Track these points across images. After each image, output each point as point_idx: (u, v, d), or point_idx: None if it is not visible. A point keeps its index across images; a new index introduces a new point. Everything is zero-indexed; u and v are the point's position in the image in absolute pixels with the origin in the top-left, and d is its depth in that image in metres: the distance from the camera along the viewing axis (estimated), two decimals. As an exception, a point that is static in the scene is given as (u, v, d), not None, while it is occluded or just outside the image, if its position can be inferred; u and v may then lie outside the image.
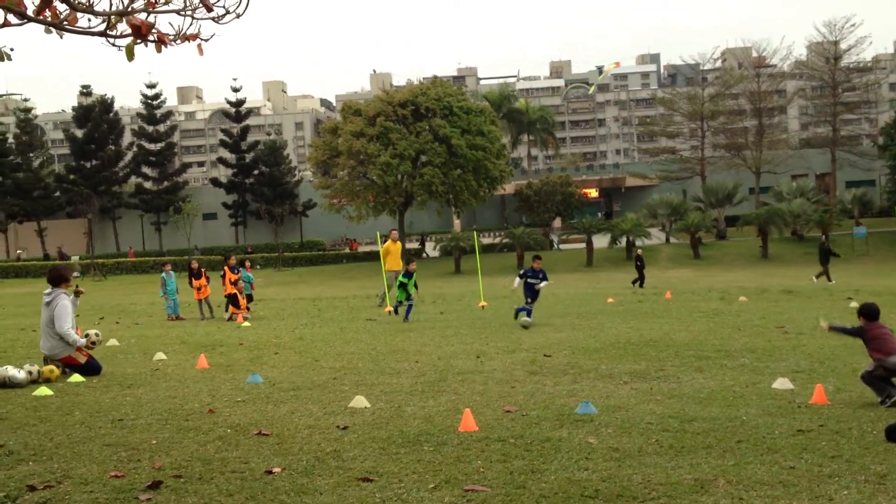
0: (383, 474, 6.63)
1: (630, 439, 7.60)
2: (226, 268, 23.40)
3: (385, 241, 25.09)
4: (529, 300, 18.25)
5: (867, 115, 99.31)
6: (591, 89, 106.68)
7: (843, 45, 78.36)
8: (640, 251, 40.26)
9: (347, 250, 77.87)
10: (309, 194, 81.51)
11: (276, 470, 6.80)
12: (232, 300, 22.92)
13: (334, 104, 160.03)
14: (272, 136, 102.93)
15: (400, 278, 20.70)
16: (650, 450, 7.20)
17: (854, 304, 21.08)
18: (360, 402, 9.51)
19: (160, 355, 14.35)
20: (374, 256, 65.80)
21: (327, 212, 68.99)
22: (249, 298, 24.03)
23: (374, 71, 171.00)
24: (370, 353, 14.20)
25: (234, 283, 23.03)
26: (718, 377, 10.87)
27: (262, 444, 7.76)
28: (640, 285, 35.06)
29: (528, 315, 17.87)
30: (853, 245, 59.93)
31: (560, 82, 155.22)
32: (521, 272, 18.86)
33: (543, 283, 18.53)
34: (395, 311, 20.69)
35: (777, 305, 21.72)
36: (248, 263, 25.63)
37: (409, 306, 20.18)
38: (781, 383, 10.00)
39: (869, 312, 9.24)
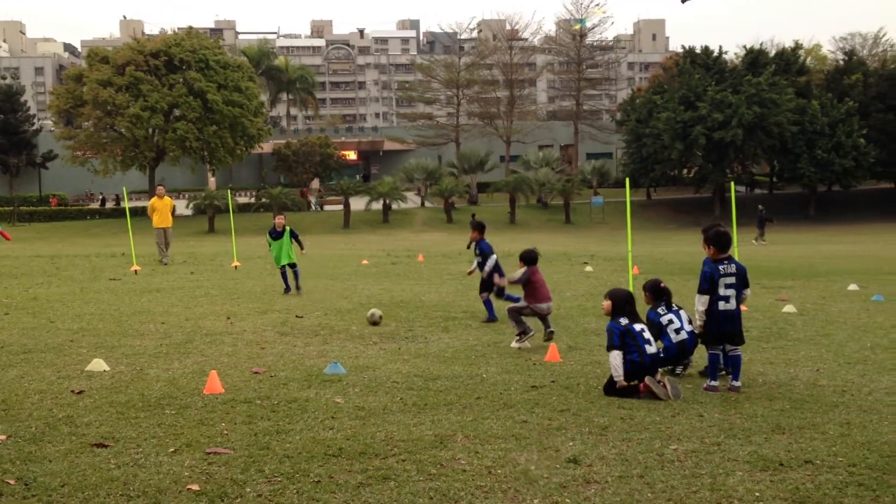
0: (120, 439, 6.38)
1: (376, 398, 7.77)
2: None
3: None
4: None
5: (607, 92, 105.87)
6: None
7: (587, 24, 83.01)
8: (473, 215, 41.85)
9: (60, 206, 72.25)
10: (50, 145, 76.04)
11: (1, 437, 6.38)
12: None
13: (80, 50, 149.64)
14: (8, 80, 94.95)
15: (268, 238, 16.95)
16: (395, 408, 7.40)
17: (589, 269, 22.59)
18: (98, 365, 9.09)
19: None
20: (120, 213, 62.64)
21: (70, 164, 64.81)
22: None
23: (125, 17, 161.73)
24: (112, 314, 13.56)
25: None
26: (463, 337, 11.32)
27: (-15, 412, 7.24)
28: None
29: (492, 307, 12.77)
30: (591, 213, 64.11)
31: (321, 42, 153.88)
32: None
33: (487, 265, 12.52)
34: (285, 281, 16.75)
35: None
36: None
37: (295, 272, 16.69)
38: (518, 342, 10.56)
39: (529, 258, 10.80)
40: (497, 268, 12.55)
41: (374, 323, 12.31)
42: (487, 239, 12.90)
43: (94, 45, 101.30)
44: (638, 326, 7.91)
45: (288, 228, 16.81)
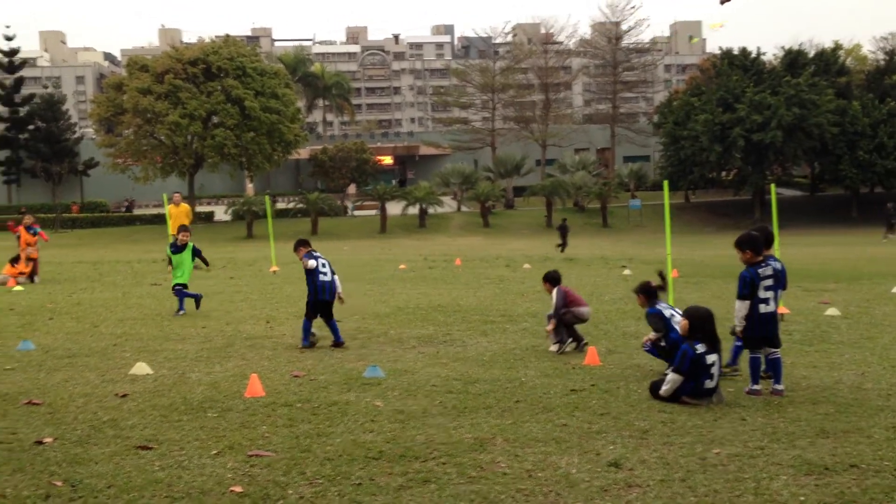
0: (164, 442, 6.46)
1: (415, 401, 7.78)
2: (21, 228, 21.76)
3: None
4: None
5: (644, 94, 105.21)
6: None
7: (623, 26, 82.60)
8: (564, 219, 42.13)
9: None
10: (91, 153, 77.15)
11: (48, 440, 6.48)
12: (13, 261, 21.27)
13: (119, 59, 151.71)
14: (50, 89, 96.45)
15: (167, 251, 15.50)
16: (434, 411, 7.41)
17: (628, 272, 22.44)
18: (141, 368, 9.21)
19: (-83, 322, 13.25)
20: (160, 220, 63.36)
21: (111, 172, 65.69)
22: (29, 259, 22.34)
23: (163, 26, 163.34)
24: (154, 319, 13.74)
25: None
26: (501, 340, 11.30)
27: (32, 414, 7.36)
28: (562, 250, 36.31)
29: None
30: (629, 216, 63.69)
31: (356, 48, 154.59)
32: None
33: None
34: (181, 299, 14.63)
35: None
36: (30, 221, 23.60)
37: (185, 294, 14.72)
38: (557, 349, 10.50)
39: (554, 278, 10.83)
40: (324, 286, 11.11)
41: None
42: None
43: (134, 53, 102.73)
44: (710, 358, 7.63)
45: (191, 244, 15.15)
